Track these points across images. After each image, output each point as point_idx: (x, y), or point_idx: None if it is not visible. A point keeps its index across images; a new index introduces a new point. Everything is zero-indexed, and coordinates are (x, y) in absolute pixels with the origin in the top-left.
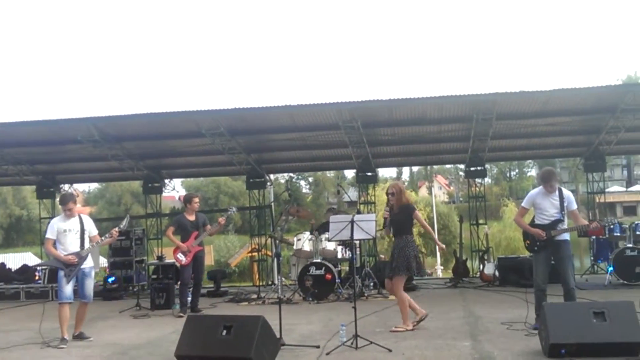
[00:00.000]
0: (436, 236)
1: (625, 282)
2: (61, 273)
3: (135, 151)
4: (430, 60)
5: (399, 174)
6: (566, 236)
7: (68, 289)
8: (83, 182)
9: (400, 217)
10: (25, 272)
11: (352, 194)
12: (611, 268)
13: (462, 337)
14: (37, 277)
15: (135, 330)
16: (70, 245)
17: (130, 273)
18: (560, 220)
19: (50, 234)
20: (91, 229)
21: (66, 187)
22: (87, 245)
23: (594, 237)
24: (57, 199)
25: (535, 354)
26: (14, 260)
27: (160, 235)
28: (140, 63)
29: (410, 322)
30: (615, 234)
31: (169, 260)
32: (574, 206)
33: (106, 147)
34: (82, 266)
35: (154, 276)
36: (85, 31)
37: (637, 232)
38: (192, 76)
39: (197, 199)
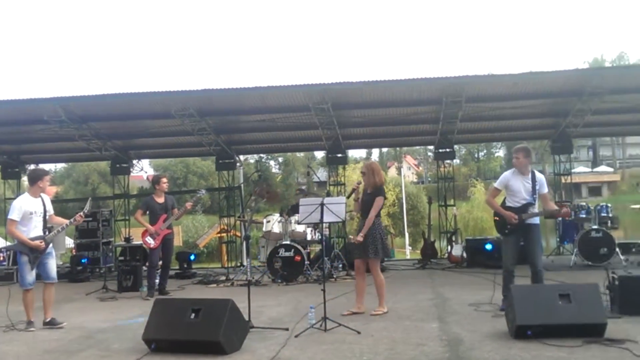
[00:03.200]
0: (405, 218)
1: (590, 263)
2: (24, 258)
3: (102, 131)
4: (400, 44)
5: (369, 154)
6: (536, 220)
7: (32, 274)
8: (49, 162)
9: (371, 198)
10: None
11: (321, 174)
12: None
13: (430, 318)
14: (1, 258)
15: (102, 313)
16: (34, 228)
17: (97, 255)
18: (531, 204)
19: (15, 215)
20: (50, 209)
21: (32, 167)
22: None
23: (560, 218)
24: (27, 176)
25: (502, 335)
26: None
27: (128, 216)
28: (110, 45)
29: (385, 305)
30: (580, 215)
31: (137, 242)
32: (545, 190)
33: (73, 128)
34: None
35: (122, 258)
36: (53, 13)
37: (602, 214)
38: (162, 59)
39: (165, 180)
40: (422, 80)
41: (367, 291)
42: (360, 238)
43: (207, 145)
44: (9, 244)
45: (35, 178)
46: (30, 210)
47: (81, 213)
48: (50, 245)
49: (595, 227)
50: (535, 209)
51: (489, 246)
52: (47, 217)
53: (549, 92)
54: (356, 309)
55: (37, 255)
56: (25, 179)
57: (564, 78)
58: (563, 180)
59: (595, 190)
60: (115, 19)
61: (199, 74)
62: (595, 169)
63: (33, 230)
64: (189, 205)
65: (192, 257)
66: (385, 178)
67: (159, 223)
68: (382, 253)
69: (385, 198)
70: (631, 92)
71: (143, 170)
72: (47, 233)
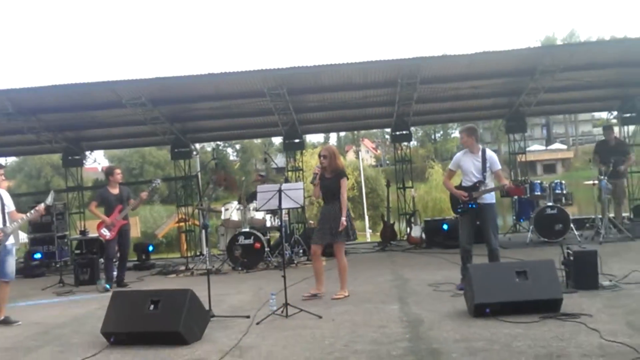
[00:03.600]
0: (364, 202)
1: (545, 239)
2: None
3: (53, 123)
4: (355, 27)
5: (327, 139)
6: (489, 199)
7: None
8: None
9: (332, 182)
10: None
11: (279, 160)
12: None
13: (391, 300)
14: None
15: (59, 308)
16: None
17: (52, 249)
18: (481, 182)
19: None
20: (10, 204)
21: None
22: (7, 222)
23: (516, 197)
24: None
25: (461, 314)
26: None
27: (83, 209)
28: (59, 35)
29: (346, 289)
30: (535, 193)
31: (93, 234)
32: (498, 166)
33: (21, 120)
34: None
35: (78, 251)
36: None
37: (557, 191)
38: (113, 48)
39: (118, 171)
40: (377, 63)
41: (327, 275)
42: (344, 222)
43: (162, 134)
44: None
45: None
46: None
47: (42, 204)
48: (12, 242)
49: (550, 204)
50: (488, 187)
51: (446, 226)
52: (6, 211)
53: (502, 71)
54: (316, 291)
55: None
56: None
57: (517, 57)
58: (518, 159)
59: (549, 167)
60: (61, 8)
61: (151, 62)
62: (550, 147)
63: None
64: (144, 195)
65: (151, 248)
66: (345, 162)
67: (114, 214)
68: (352, 236)
69: (348, 179)
70: (581, 69)
71: (96, 161)
72: (6, 225)
